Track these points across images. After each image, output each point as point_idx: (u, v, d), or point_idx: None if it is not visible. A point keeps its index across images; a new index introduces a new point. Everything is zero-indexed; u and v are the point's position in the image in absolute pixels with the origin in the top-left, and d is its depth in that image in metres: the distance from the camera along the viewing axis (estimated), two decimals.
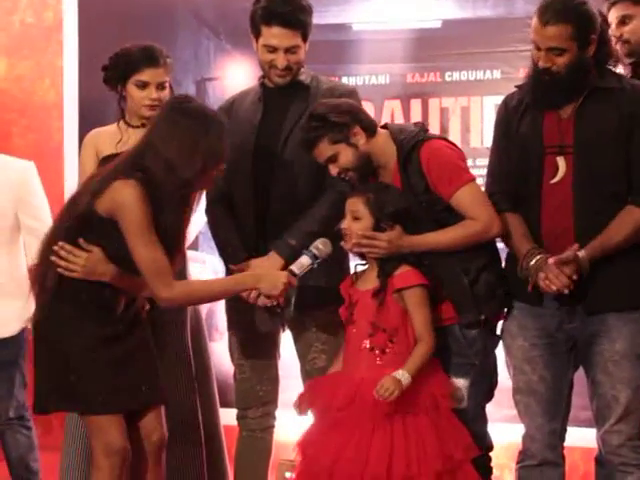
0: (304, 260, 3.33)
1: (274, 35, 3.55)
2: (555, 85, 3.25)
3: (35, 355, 3.24)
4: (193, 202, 3.28)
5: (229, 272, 3.63)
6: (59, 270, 3.17)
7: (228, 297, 3.52)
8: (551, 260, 3.19)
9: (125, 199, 3.09)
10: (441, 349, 3.32)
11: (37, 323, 3.24)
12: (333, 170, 3.39)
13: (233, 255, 3.62)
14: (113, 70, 3.81)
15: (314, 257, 3.33)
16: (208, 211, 3.78)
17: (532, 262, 3.24)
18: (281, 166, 3.56)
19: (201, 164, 3.17)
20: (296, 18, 3.56)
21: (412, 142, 3.35)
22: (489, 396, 3.46)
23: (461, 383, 3.34)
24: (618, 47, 3.57)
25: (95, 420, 3.17)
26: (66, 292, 3.20)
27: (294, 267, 3.33)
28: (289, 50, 3.57)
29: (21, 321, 4.18)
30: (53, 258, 3.18)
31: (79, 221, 3.19)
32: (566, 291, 3.18)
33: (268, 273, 3.32)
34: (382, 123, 3.58)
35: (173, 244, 3.21)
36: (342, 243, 3.36)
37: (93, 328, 3.18)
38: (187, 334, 3.85)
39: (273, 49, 3.57)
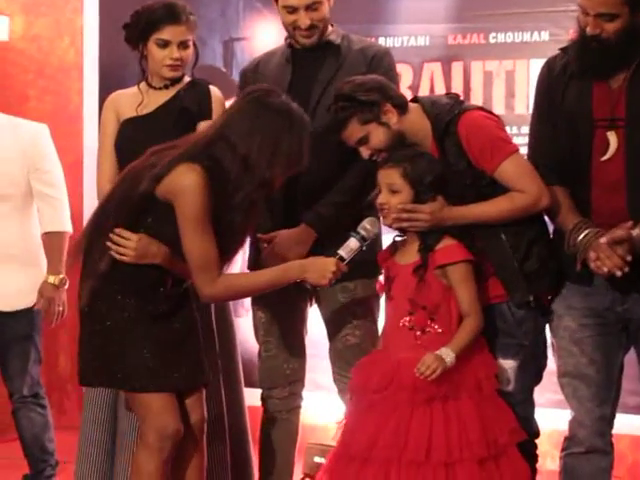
0: (352, 244, 3.24)
1: None
2: (604, 53, 3.15)
3: (83, 332, 3.21)
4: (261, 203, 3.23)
5: (257, 242, 3.58)
6: (112, 254, 3.14)
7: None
8: (603, 240, 3.11)
9: (186, 184, 3.02)
10: (487, 328, 3.24)
11: (88, 304, 3.19)
12: (365, 153, 3.31)
13: (262, 224, 3.53)
14: (134, 28, 3.73)
15: (362, 239, 3.25)
16: None
17: (580, 237, 3.17)
18: (312, 133, 3.45)
19: (282, 166, 3.11)
20: None
21: (448, 116, 3.27)
22: (537, 379, 3.40)
23: (509, 364, 3.28)
24: None
25: (147, 401, 3.14)
26: (115, 273, 3.15)
27: (342, 251, 3.24)
28: (310, 7, 3.50)
29: (35, 293, 4.18)
30: (108, 244, 3.13)
31: (135, 202, 3.12)
32: (619, 273, 3.10)
33: (315, 261, 3.23)
34: (417, 93, 3.47)
35: (233, 244, 3.17)
36: (381, 219, 3.30)
37: (137, 304, 3.14)
38: (210, 309, 3.76)
39: (293, 9, 3.51)
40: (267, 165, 3.08)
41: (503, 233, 3.25)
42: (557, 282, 3.33)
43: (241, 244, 3.24)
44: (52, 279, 4.18)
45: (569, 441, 3.36)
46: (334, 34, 3.61)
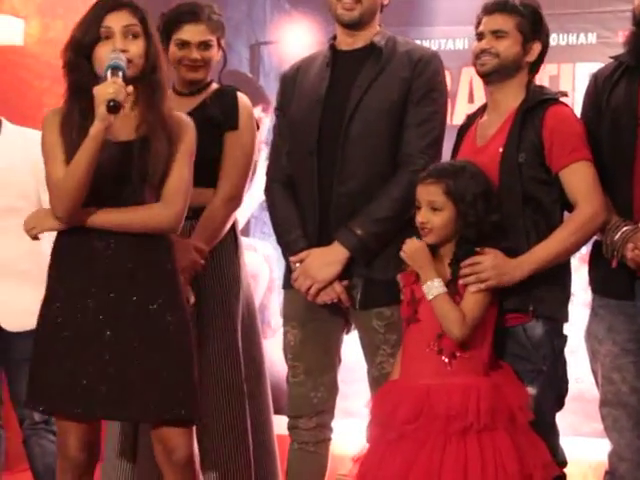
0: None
1: None
2: None
3: None
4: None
5: (287, 264, 3.60)
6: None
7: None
8: None
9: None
10: (504, 355, 3.27)
11: None
12: (484, 44, 3.37)
13: (293, 243, 3.57)
14: (160, 32, 3.75)
15: (116, 67, 3.15)
16: (267, 191, 3.73)
17: (618, 235, 3.21)
18: (347, 143, 3.49)
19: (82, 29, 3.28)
20: None
21: (544, 97, 3.34)
22: (560, 405, 3.38)
23: (528, 392, 3.27)
24: None
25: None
26: None
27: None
28: None
29: None
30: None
31: None
32: None
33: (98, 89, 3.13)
34: (455, 99, 3.50)
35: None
36: (425, 239, 3.28)
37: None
38: (237, 327, 3.82)
39: None
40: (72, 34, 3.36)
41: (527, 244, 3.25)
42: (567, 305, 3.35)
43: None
44: None
45: (610, 475, 3.38)
46: (379, 36, 3.60)
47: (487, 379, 3.20)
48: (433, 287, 3.16)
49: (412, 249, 3.22)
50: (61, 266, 3.30)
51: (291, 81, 3.68)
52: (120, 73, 3.10)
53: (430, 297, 3.16)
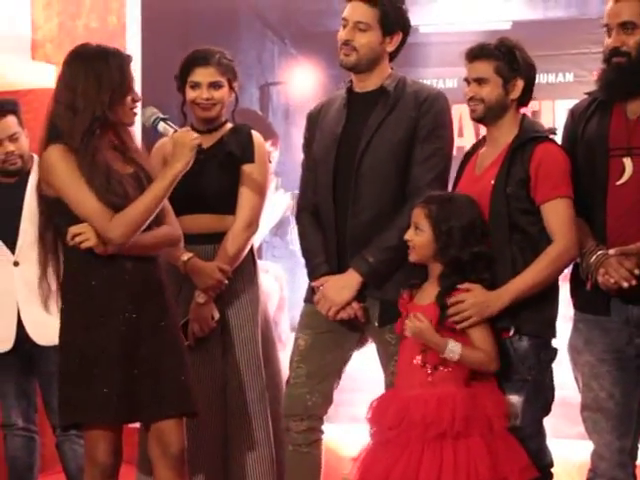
0: (161, 127, 3.40)
1: (350, 6, 3.55)
2: (625, 68, 3.20)
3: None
4: (127, 142, 3.34)
5: (312, 286, 3.63)
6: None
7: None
8: (612, 251, 3.14)
9: (46, 160, 3.21)
10: None
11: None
12: (471, 90, 3.36)
13: (316, 268, 3.60)
14: (178, 78, 3.88)
15: (159, 118, 3.41)
16: (297, 219, 3.78)
17: (592, 259, 3.19)
18: (360, 178, 3.50)
19: (110, 96, 3.20)
20: None
21: (534, 134, 3.32)
22: (546, 411, 3.37)
23: (514, 399, 3.26)
24: None
25: (85, 430, 3.34)
26: None
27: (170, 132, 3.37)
28: (357, 25, 3.52)
29: None
30: (69, 241, 3.28)
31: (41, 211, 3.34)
32: (625, 284, 3.10)
33: (176, 144, 3.28)
34: None
35: (112, 184, 3.23)
36: (409, 257, 3.32)
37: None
38: (259, 339, 3.85)
39: (345, 22, 3.55)
40: (95, 101, 3.18)
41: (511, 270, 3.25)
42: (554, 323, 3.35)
43: (123, 182, 3.27)
44: None
45: (592, 473, 3.35)
46: (390, 79, 3.60)
47: (464, 389, 3.19)
48: (452, 351, 3.15)
49: (416, 327, 3.18)
50: (95, 290, 3.29)
51: (315, 119, 3.71)
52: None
53: (457, 358, 3.15)
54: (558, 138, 3.42)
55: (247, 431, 3.77)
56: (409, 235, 3.27)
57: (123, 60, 3.29)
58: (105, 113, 3.20)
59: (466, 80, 3.39)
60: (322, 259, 3.59)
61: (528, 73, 3.36)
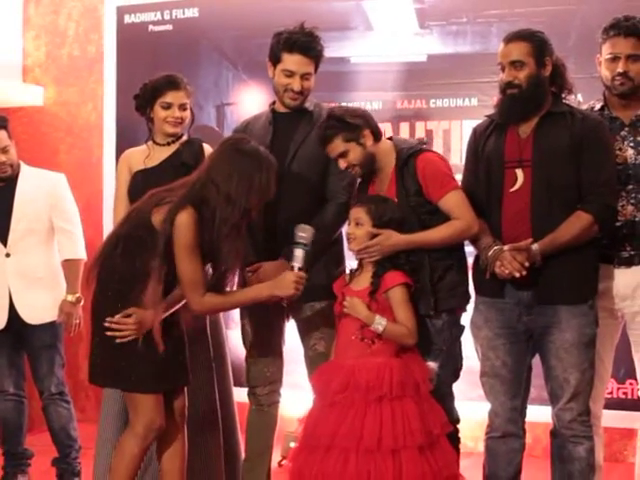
0: (298, 253, 3.23)
1: (294, 61, 3.49)
2: (518, 97, 3.22)
3: (95, 340, 3.17)
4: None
5: (243, 271, 3.54)
6: (117, 342, 3.09)
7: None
8: (506, 247, 3.16)
9: (180, 222, 3.02)
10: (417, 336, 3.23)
11: (100, 317, 3.15)
12: (342, 164, 3.33)
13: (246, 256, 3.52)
14: (142, 97, 3.77)
15: (304, 245, 3.24)
16: None
17: (490, 253, 3.20)
18: (288, 181, 3.47)
19: (256, 198, 3.10)
20: (314, 49, 3.51)
21: (411, 151, 3.31)
22: (456, 376, 3.39)
23: (432, 365, 3.28)
24: (616, 80, 3.43)
25: (142, 399, 3.13)
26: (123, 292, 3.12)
27: (295, 263, 3.22)
28: (304, 76, 3.51)
29: (57, 309, 4.19)
30: (109, 333, 3.08)
31: (136, 230, 3.12)
32: (517, 275, 3.13)
33: (279, 279, 3.21)
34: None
35: (226, 265, 3.12)
36: (349, 246, 3.31)
37: None
38: (207, 324, 3.76)
39: (291, 74, 3.50)
40: (245, 199, 3.06)
41: (428, 259, 3.27)
42: (466, 302, 3.37)
43: (234, 265, 3.17)
44: (70, 297, 4.19)
45: (489, 428, 3.39)
46: (309, 102, 3.60)
47: (398, 359, 3.19)
48: (379, 324, 3.15)
49: (351, 304, 3.19)
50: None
51: (241, 134, 3.60)
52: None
53: (381, 329, 3.15)
54: (459, 150, 3.40)
55: (197, 402, 3.60)
56: (351, 229, 3.27)
57: (271, 168, 3.15)
58: (249, 212, 3.12)
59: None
60: (251, 249, 3.48)
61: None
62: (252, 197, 3.08)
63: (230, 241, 3.07)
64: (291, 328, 3.69)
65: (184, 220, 3.02)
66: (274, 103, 3.66)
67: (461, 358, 3.39)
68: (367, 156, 3.31)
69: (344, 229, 3.46)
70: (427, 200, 3.27)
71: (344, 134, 3.28)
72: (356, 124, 3.28)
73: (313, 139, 3.46)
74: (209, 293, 3.12)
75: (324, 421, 3.16)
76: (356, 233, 3.26)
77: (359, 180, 3.42)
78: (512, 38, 3.24)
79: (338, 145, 3.30)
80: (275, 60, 3.55)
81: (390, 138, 3.45)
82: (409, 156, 3.29)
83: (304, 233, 3.24)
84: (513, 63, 3.21)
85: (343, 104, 4.83)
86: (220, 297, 3.16)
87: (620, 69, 3.42)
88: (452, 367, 3.35)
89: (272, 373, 3.68)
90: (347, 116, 3.29)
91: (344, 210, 3.42)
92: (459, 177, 3.49)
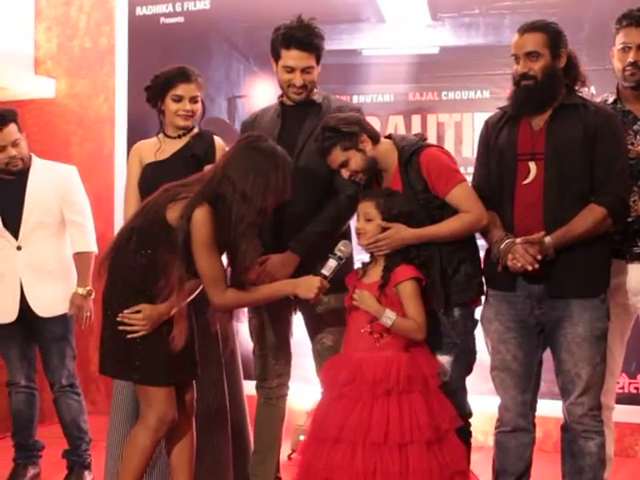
0: (331, 263, 3.23)
1: (292, 57, 3.50)
2: (533, 89, 3.21)
3: (106, 332, 3.16)
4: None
5: None
6: (129, 337, 3.09)
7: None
8: (519, 240, 3.14)
9: (197, 218, 3.02)
10: (430, 330, 3.22)
11: (111, 309, 3.15)
12: (345, 174, 3.32)
13: None
14: (153, 90, 3.76)
15: (339, 259, 3.24)
16: None
17: (502, 246, 3.18)
18: (297, 174, 3.43)
19: (272, 196, 3.09)
20: (311, 42, 3.50)
21: (413, 148, 3.29)
22: (469, 370, 3.38)
23: (445, 359, 3.27)
24: (626, 70, 3.42)
25: (155, 391, 3.13)
26: (134, 284, 3.12)
27: (324, 271, 3.21)
28: (305, 70, 3.51)
29: (68, 302, 4.18)
30: (120, 328, 3.08)
31: (150, 224, 3.11)
32: (529, 268, 3.11)
33: (304, 279, 3.21)
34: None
35: (244, 260, 3.11)
36: (358, 242, 3.29)
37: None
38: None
39: (291, 69, 3.51)
40: (261, 197, 3.06)
41: (439, 252, 3.24)
42: (481, 293, 3.34)
43: (252, 262, 3.16)
44: (81, 290, 4.18)
45: (499, 422, 3.38)
46: (317, 94, 3.60)
47: (406, 354, 3.18)
48: (388, 317, 3.14)
49: (361, 297, 3.19)
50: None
51: (250, 126, 3.66)
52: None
53: (390, 323, 3.14)
54: (470, 143, 3.38)
55: (207, 395, 3.61)
56: (360, 224, 3.25)
57: (288, 167, 3.15)
58: (265, 211, 3.11)
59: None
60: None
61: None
62: (268, 196, 3.08)
63: (247, 239, 3.07)
64: (299, 321, 3.69)
65: (201, 216, 3.02)
66: (282, 95, 3.66)
67: (475, 352, 3.38)
68: (369, 161, 3.29)
69: (352, 223, 3.45)
70: (435, 195, 3.26)
71: (342, 143, 3.26)
72: (352, 131, 3.26)
73: None
74: (230, 289, 3.12)
75: (332, 414, 3.16)
76: (366, 228, 3.24)
77: (362, 185, 3.38)
78: (527, 29, 3.22)
79: (338, 155, 3.28)
80: (276, 56, 3.56)
81: (388, 136, 3.43)
82: (412, 153, 3.28)
83: (345, 248, 3.26)
84: (529, 54, 3.19)
85: (354, 97, 4.90)
86: (242, 293, 3.16)
87: (631, 59, 3.41)
88: (466, 361, 3.34)
89: (280, 366, 3.68)
90: (342, 125, 3.27)
91: (353, 202, 3.40)
92: (471, 170, 3.48)
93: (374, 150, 3.30)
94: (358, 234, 3.27)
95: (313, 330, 3.61)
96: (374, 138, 3.32)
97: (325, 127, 3.29)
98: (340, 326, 3.44)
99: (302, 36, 3.48)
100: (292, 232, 3.48)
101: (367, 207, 3.25)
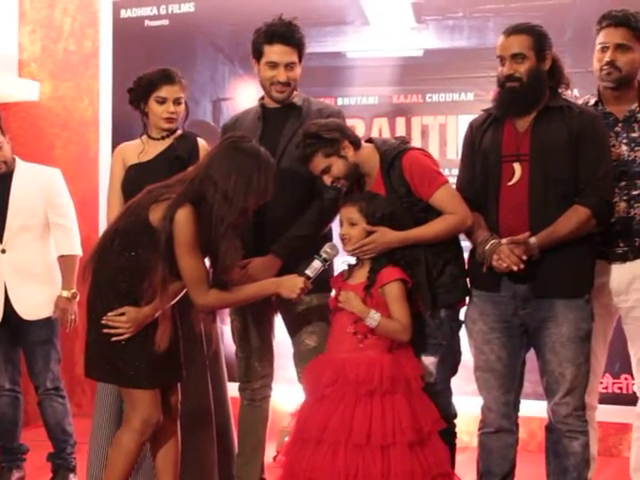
0: (316, 264, 3.23)
1: (275, 52, 3.50)
2: (518, 91, 3.22)
3: (91, 335, 3.15)
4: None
5: None
6: (113, 339, 3.09)
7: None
8: (504, 240, 3.15)
9: (179, 219, 3.01)
10: (415, 331, 3.23)
11: (95, 312, 3.14)
12: (327, 180, 3.31)
13: None
14: (136, 91, 3.75)
15: (324, 260, 3.24)
16: None
17: (487, 246, 3.19)
18: (278, 176, 3.42)
19: (254, 197, 3.09)
20: (294, 36, 3.51)
21: (394, 152, 3.29)
22: (454, 371, 3.39)
23: (430, 360, 3.27)
24: (603, 69, 3.44)
25: (139, 394, 3.13)
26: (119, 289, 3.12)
27: (308, 271, 3.22)
28: (288, 66, 3.50)
29: (52, 305, 4.17)
30: (105, 331, 3.08)
31: (134, 226, 3.11)
32: (515, 268, 3.12)
33: (287, 279, 3.21)
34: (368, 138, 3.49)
35: (226, 261, 3.11)
36: (344, 248, 3.28)
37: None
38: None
39: (274, 65, 3.50)
40: (243, 198, 3.05)
41: (424, 254, 3.25)
42: (467, 293, 3.35)
43: (233, 262, 3.15)
44: (66, 293, 4.17)
45: (482, 423, 3.39)
46: (297, 97, 3.59)
47: (390, 355, 3.18)
48: (373, 319, 3.14)
49: (346, 298, 3.19)
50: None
51: (230, 129, 3.64)
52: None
53: (375, 324, 3.15)
54: (454, 145, 3.39)
55: (191, 397, 3.59)
56: (344, 230, 3.25)
57: (270, 169, 3.14)
58: (246, 212, 3.11)
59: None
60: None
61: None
62: (250, 197, 3.07)
63: (228, 239, 3.06)
64: (281, 322, 3.68)
65: (183, 217, 3.02)
66: (263, 98, 3.65)
67: (460, 353, 3.38)
68: (351, 167, 3.29)
69: (334, 226, 3.45)
70: (419, 198, 3.26)
71: (323, 150, 3.26)
72: (333, 138, 3.26)
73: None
74: (213, 289, 3.12)
75: (314, 414, 3.16)
76: (351, 233, 3.24)
77: (344, 191, 3.38)
78: (513, 31, 3.24)
79: (319, 162, 3.28)
80: (258, 55, 3.55)
81: (369, 140, 3.43)
82: (394, 157, 3.28)
83: (331, 250, 3.26)
84: (514, 56, 3.21)
85: (339, 99, 4.90)
86: (224, 293, 3.16)
87: (607, 58, 3.43)
88: (451, 362, 3.35)
89: (263, 367, 3.67)
90: (323, 131, 3.27)
91: (335, 205, 3.41)
92: (455, 172, 3.49)
93: (356, 155, 3.30)
94: (343, 240, 3.27)
95: (294, 332, 3.60)
96: (355, 143, 3.31)
97: (306, 134, 3.29)
98: (324, 326, 3.44)
99: (285, 31, 3.49)
100: (274, 235, 3.48)
101: (350, 212, 3.24)
